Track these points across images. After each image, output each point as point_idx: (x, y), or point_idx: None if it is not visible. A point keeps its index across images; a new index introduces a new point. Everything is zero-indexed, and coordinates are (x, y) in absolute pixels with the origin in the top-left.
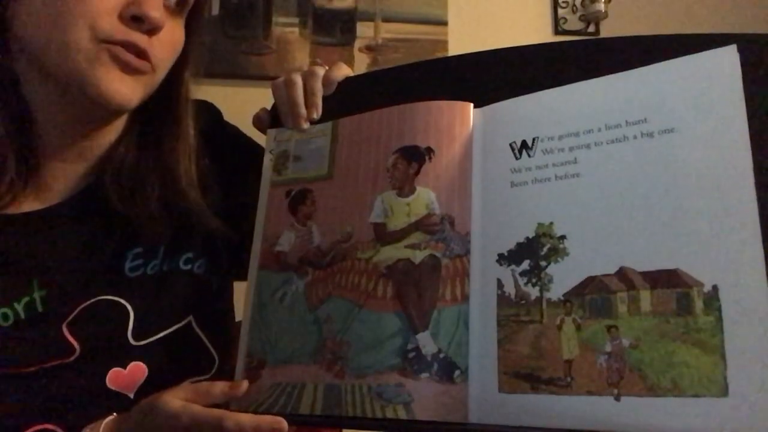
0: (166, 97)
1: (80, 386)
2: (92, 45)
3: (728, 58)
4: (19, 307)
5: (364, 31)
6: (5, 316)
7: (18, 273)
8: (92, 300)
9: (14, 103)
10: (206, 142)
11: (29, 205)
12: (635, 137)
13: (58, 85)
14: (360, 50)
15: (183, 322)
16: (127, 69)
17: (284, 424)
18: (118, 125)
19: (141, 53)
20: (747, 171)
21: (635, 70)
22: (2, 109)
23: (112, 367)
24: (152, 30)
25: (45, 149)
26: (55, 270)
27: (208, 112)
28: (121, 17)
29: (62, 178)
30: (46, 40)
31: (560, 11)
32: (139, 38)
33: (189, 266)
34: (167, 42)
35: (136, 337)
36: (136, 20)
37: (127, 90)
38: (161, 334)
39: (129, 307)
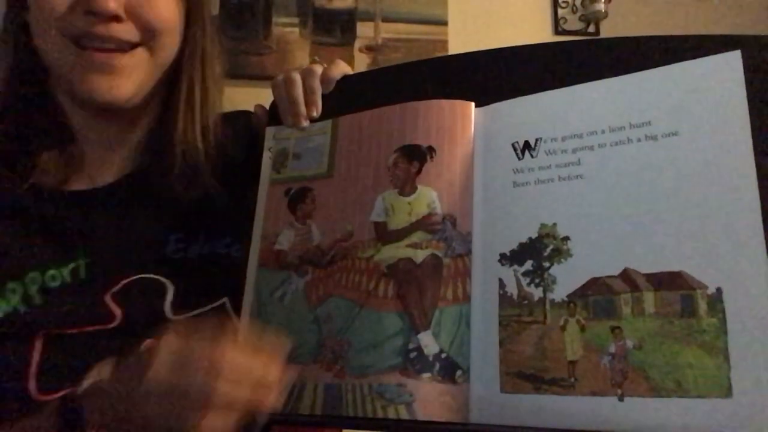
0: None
1: (115, 354)
2: (67, 47)
3: (732, 63)
4: (66, 272)
5: (364, 31)
6: (53, 277)
7: (66, 241)
8: (134, 277)
9: (46, 102)
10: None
11: (80, 185)
12: (639, 140)
13: (64, 89)
14: (360, 50)
15: (218, 303)
16: (108, 70)
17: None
18: (152, 107)
19: (119, 45)
20: (750, 174)
21: (639, 73)
22: (36, 105)
23: (148, 339)
24: (114, 18)
25: (83, 138)
26: (100, 244)
27: (246, 120)
28: (81, 12)
29: (108, 163)
30: (39, 47)
31: (560, 11)
32: (104, 29)
33: (227, 250)
34: (150, 14)
35: (173, 312)
36: (92, 14)
37: (114, 89)
38: (196, 311)
39: (168, 285)
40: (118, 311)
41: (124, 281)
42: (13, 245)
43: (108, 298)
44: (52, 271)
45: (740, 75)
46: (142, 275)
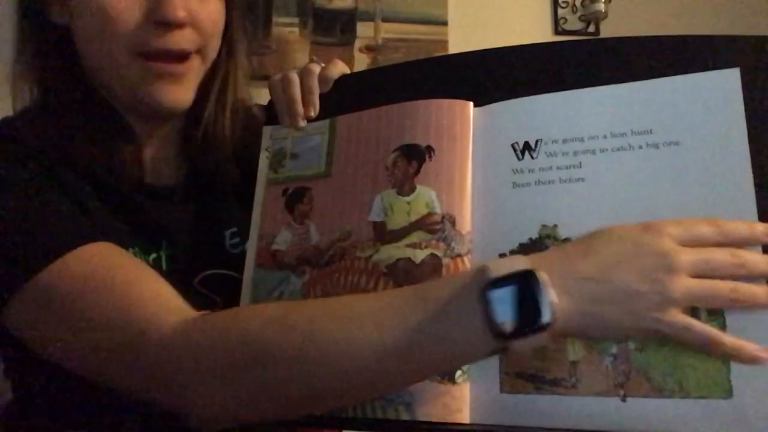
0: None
1: None
2: (134, 60)
3: (731, 79)
4: (149, 260)
5: (364, 31)
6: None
7: (150, 231)
8: (208, 272)
9: (100, 105)
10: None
11: (153, 179)
12: (640, 147)
13: (118, 96)
14: (360, 50)
15: None
16: (172, 78)
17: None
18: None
19: (180, 54)
20: (748, 185)
21: (641, 82)
22: (90, 108)
23: None
24: (182, 25)
25: (139, 138)
26: (177, 238)
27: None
28: (150, 24)
29: (170, 161)
30: (98, 59)
31: (560, 11)
32: (172, 42)
33: None
34: (207, 21)
35: None
36: (163, 24)
37: (178, 95)
38: None
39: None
40: (217, 297)
41: (202, 275)
42: (106, 227)
43: (197, 286)
44: (143, 257)
45: (739, 91)
46: (215, 271)
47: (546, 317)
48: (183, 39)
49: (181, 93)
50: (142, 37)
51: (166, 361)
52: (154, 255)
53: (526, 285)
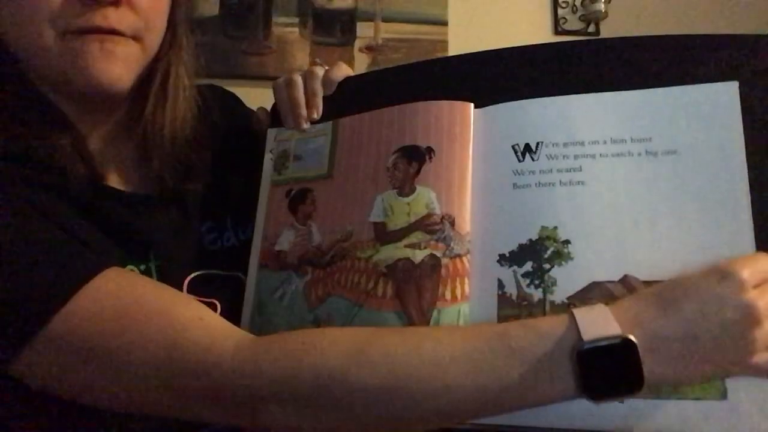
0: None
1: None
2: (59, 40)
3: (729, 92)
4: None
5: (364, 31)
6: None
7: (136, 241)
8: (193, 275)
9: (36, 99)
10: (227, 122)
11: (116, 183)
12: (639, 154)
13: (50, 83)
14: (360, 50)
15: None
16: (103, 54)
17: None
18: (130, 97)
19: (111, 33)
20: (743, 192)
21: (642, 90)
22: (25, 101)
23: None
24: (115, 3)
25: (80, 131)
26: (163, 246)
27: (222, 96)
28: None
29: (126, 160)
30: (21, 45)
31: (560, 11)
32: (101, 19)
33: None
34: (145, 1)
35: None
36: (92, 1)
37: (111, 72)
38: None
39: (239, 274)
40: (214, 302)
41: (188, 278)
42: (92, 242)
43: (187, 292)
44: (130, 267)
45: (737, 104)
46: (201, 272)
47: (640, 384)
48: (115, 18)
49: (115, 69)
50: (67, 14)
51: (234, 387)
52: (143, 266)
53: (621, 353)
